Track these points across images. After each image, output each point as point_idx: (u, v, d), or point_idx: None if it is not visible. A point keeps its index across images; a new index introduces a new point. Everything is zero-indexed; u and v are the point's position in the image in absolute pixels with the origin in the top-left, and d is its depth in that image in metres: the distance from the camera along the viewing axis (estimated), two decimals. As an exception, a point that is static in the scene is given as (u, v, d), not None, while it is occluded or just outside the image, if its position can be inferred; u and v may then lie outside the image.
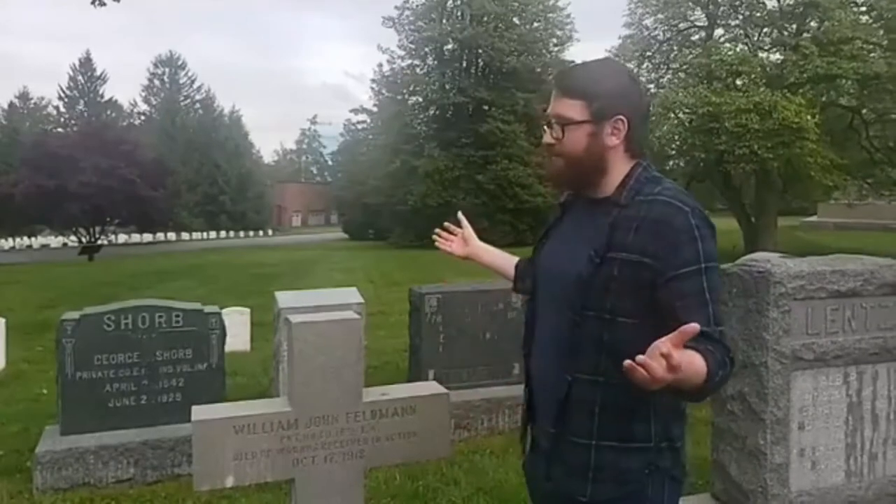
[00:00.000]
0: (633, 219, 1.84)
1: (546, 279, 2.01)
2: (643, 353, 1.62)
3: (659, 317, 1.78)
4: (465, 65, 37.80)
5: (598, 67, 1.98)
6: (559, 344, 1.91)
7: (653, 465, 1.90)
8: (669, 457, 1.94)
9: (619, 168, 1.94)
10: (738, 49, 24.28)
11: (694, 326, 1.51)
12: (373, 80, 41.13)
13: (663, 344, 1.51)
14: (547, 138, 1.93)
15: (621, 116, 1.90)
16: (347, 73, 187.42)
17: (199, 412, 2.33)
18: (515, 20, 37.27)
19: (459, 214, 2.53)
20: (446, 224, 2.54)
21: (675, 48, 26.53)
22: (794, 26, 23.94)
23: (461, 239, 2.54)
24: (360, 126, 51.41)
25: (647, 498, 1.92)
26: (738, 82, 22.76)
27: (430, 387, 2.68)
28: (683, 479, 2.00)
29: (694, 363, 1.63)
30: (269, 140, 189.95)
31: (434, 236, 2.56)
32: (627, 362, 1.51)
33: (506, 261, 2.48)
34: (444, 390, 2.58)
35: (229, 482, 2.30)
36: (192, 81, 71.08)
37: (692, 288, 1.78)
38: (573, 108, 1.89)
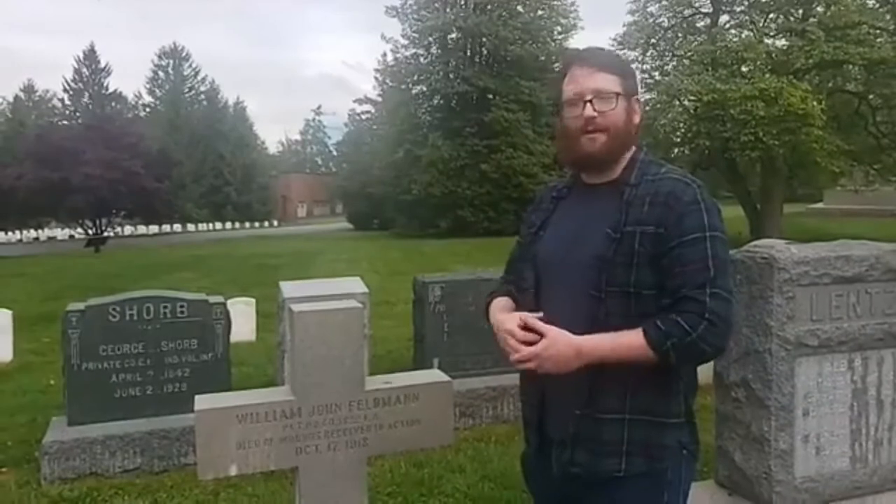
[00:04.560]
0: (645, 195, 1.92)
1: (555, 266, 2.00)
2: None
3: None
4: (469, 53, 37.64)
5: (609, 50, 2.10)
6: (582, 326, 1.90)
7: (680, 441, 1.97)
8: (689, 432, 2.01)
9: (631, 149, 2.02)
10: (743, 35, 24.15)
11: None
12: (377, 70, 41.07)
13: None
14: (589, 111, 1.91)
15: (638, 96, 2.01)
16: (346, 63, 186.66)
17: (202, 401, 2.34)
18: (519, 8, 37.08)
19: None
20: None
21: (679, 35, 26.41)
22: (801, 11, 23.80)
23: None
24: (364, 116, 51.36)
25: (672, 475, 1.97)
26: (744, 69, 22.67)
27: (432, 375, 2.69)
28: (698, 456, 2.06)
29: (614, 344, 1.84)
30: (274, 131, 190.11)
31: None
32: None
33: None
34: (447, 378, 2.58)
35: (233, 471, 2.31)
36: (197, 73, 71.20)
37: (694, 254, 1.85)
38: (611, 82, 1.94)
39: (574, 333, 1.91)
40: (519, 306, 2.08)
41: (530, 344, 1.88)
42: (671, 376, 1.94)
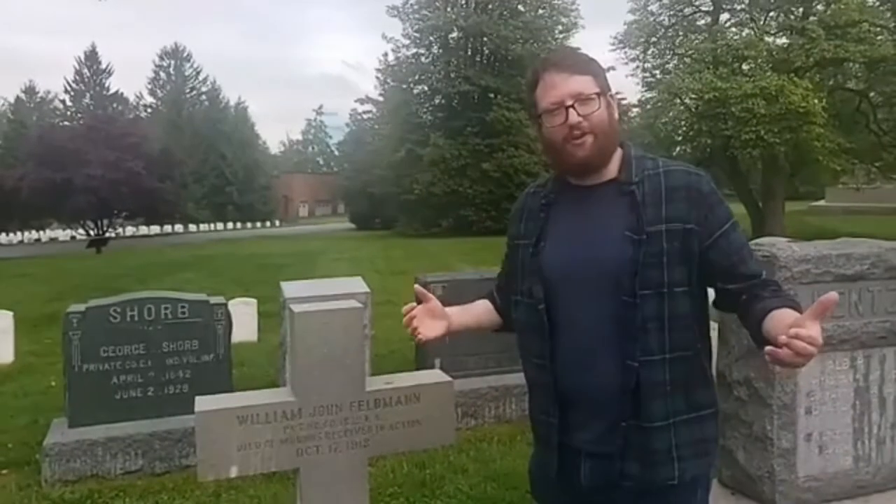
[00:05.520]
0: (656, 192, 1.88)
1: (570, 277, 1.91)
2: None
3: (704, 277, 1.89)
4: (470, 53, 37.61)
5: (577, 50, 2.09)
6: (616, 334, 1.85)
7: (716, 433, 1.99)
8: (716, 423, 2.01)
9: (618, 146, 1.98)
10: (744, 33, 24.18)
11: (833, 295, 1.57)
12: (378, 70, 41.01)
13: (804, 325, 1.56)
14: (573, 117, 1.85)
15: (612, 92, 1.95)
16: (347, 63, 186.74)
17: (202, 402, 2.32)
18: (520, 7, 37.05)
19: (417, 287, 2.20)
20: (406, 309, 2.12)
21: (680, 33, 26.43)
22: (801, 9, 23.83)
23: (430, 317, 2.14)
24: (365, 116, 51.39)
25: (712, 469, 2.00)
26: (745, 67, 22.70)
27: (434, 375, 2.67)
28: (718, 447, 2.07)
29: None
30: (276, 131, 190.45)
31: (409, 324, 2.13)
32: (769, 348, 1.58)
33: (477, 310, 2.31)
34: (448, 378, 2.57)
35: (233, 472, 2.29)
36: (198, 73, 71.20)
37: (738, 240, 1.90)
38: (588, 84, 1.89)
39: (606, 342, 1.87)
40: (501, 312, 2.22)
41: None
42: (705, 367, 1.94)
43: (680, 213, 1.85)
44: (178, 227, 51.66)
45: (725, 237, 1.87)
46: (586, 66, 1.92)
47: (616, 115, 1.96)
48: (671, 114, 23.80)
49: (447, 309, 2.17)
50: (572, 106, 1.86)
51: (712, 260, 1.86)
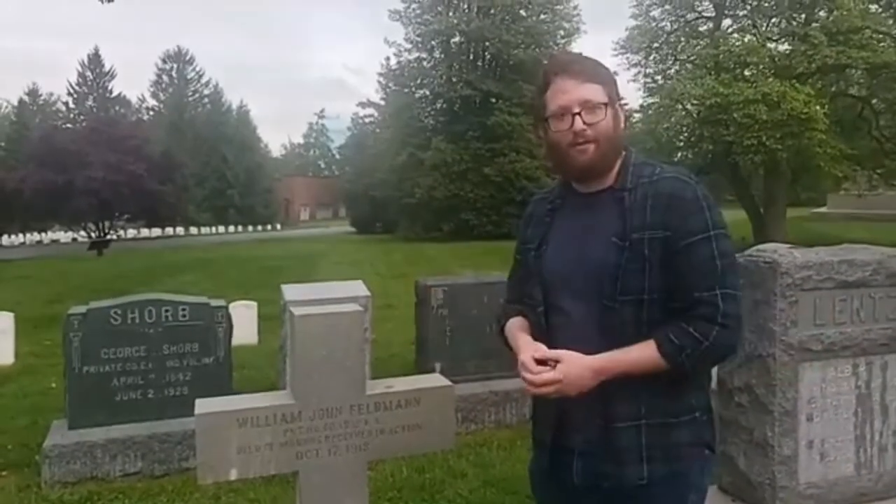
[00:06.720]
0: (645, 198, 1.90)
1: (563, 281, 1.97)
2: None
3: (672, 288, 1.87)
4: (472, 57, 37.70)
5: (588, 57, 2.03)
6: (596, 337, 1.88)
7: (701, 438, 1.98)
8: (709, 429, 2.01)
9: (621, 154, 1.99)
10: (746, 39, 24.14)
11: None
12: (380, 74, 41.15)
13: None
14: (579, 125, 1.87)
15: (620, 101, 1.98)
16: (348, 67, 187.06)
17: (202, 405, 2.32)
18: (522, 12, 37.15)
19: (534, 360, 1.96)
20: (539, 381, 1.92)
21: (682, 39, 26.40)
22: (803, 16, 23.80)
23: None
24: (367, 120, 51.58)
25: (695, 476, 1.98)
26: (747, 73, 22.69)
27: (434, 379, 2.67)
28: (716, 450, 2.06)
29: (629, 359, 1.84)
30: (277, 134, 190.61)
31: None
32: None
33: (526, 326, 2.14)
34: (449, 382, 2.57)
35: (233, 475, 2.29)
36: (200, 76, 71.21)
37: (702, 254, 1.86)
38: (597, 92, 1.91)
39: (589, 345, 1.88)
40: (530, 325, 2.08)
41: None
42: (679, 375, 1.93)
43: (660, 220, 1.86)
44: (179, 230, 51.63)
45: (691, 248, 1.85)
46: (597, 73, 1.94)
47: (622, 125, 1.97)
48: (673, 119, 23.75)
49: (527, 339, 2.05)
50: (579, 113, 1.88)
51: (674, 267, 1.86)
